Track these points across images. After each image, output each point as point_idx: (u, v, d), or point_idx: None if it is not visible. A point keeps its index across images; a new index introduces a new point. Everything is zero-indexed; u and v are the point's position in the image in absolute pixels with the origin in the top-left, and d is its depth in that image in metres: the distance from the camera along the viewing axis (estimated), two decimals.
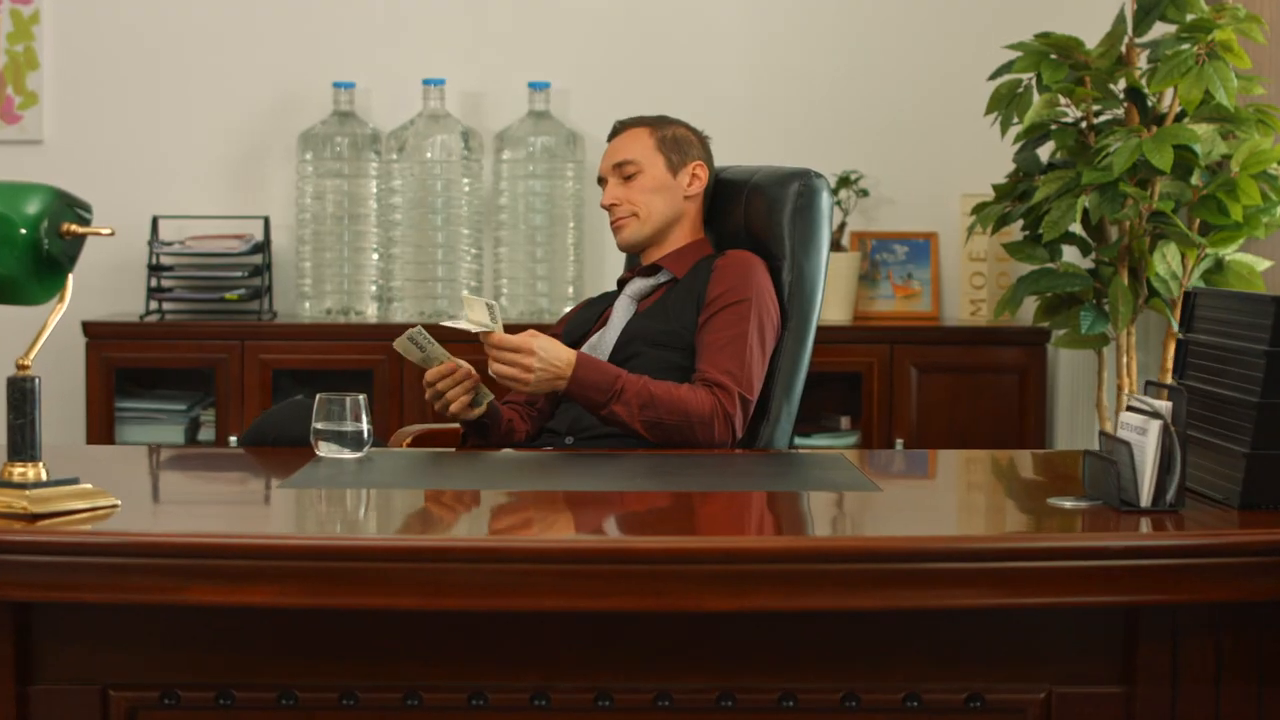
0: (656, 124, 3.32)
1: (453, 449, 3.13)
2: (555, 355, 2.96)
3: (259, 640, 2.14)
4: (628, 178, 3.27)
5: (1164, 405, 2.27)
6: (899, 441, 4.51)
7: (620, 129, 3.34)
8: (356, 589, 2.05)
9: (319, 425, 2.72)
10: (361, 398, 2.72)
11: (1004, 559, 2.08)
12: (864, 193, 4.72)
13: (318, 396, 2.72)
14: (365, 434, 2.73)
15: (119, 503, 2.24)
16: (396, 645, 2.14)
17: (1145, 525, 2.20)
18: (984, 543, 2.12)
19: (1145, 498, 2.26)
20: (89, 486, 2.23)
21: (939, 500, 2.58)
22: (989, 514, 2.45)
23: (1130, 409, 2.33)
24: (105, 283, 4.73)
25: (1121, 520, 2.23)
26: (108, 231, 2.21)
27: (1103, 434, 2.37)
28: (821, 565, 2.06)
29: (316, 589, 2.05)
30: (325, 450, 2.72)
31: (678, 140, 3.30)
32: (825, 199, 3.30)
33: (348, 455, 2.71)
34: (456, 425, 3.17)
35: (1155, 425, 2.25)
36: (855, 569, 2.06)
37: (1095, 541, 2.12)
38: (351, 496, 2.45)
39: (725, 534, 2.27)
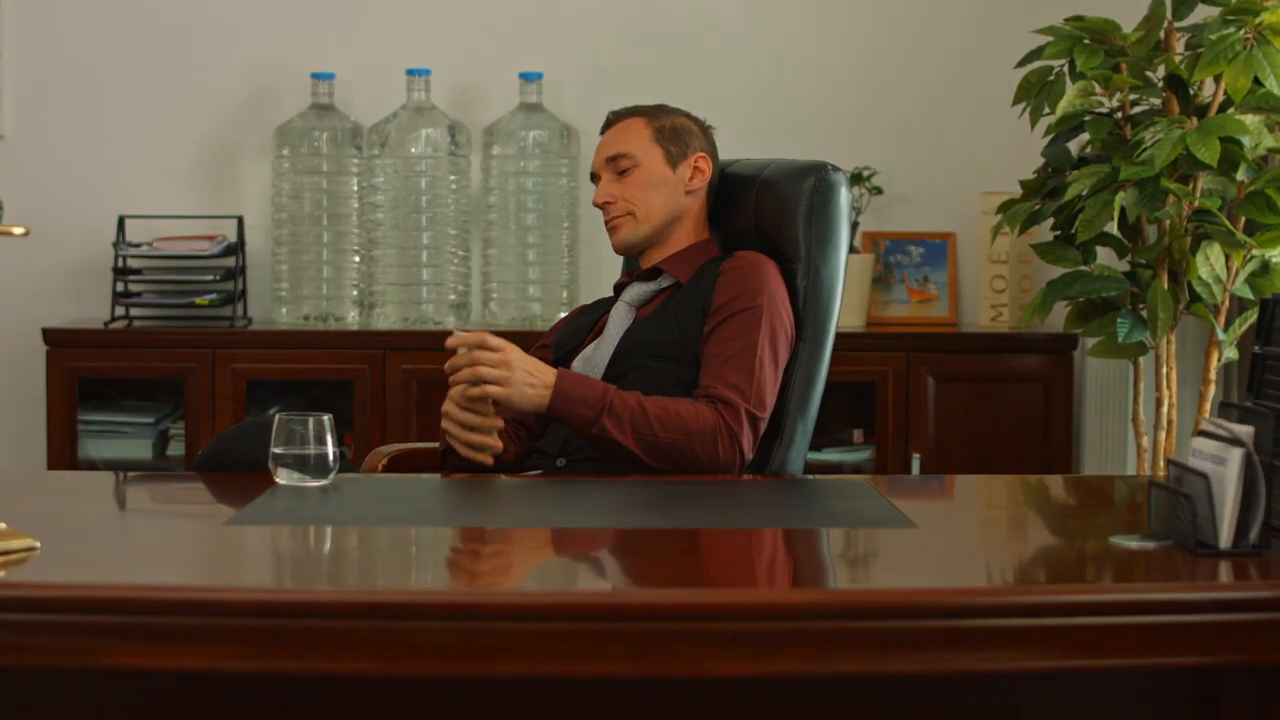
0: (653, 113, 3.06)
1: (432, 474, 2.83)
2: (533, 361, 2.75)
3: (196, 709, 1.87)
4: (622, 172, 3.02)
5: (1244, 430, 1.98)
6: (916, 457, 4.30)
7: (613, 120, 3.09)
8: (309, 651, 1.77)
9: (278, 449, 2.45)
10: (326, 418, 2.45)
11: (1067, 614, 1.80)
12: (877, 190, 4.52)
13: (277, 416, 2.44)
14: (330, 459, 2.45)
15: (38, 545, 1.96)
16: (356, 716, 1.85)
17: (1226, 571, 1.92)
18: (1044, 595, 1.83)
19: (1225, 538, 1.97)
20: (2, 526, 1.95)
21: (983, 539, 2.28)
22: (1045, 558, 2.14)
23: (1203, 434, 2.04)
24: (67, 287, 4.58)
25: (1198, 565, 1.94)
26: (20, 231, 1.91)
27: (1172, 463, 2.08)
28: (854, 623, 1.78)
29: (263, 651, 1.77)
30: (285, 478, 2.45)
31: (677, 130, 3.03)
32: (844, 195, 3.04)
33: (310, 483, 2.43)
34: (437, 444, 2.89)
35: (1236, 454, 1.96)
36: (894, 627, 1.78)
37: (1172, 594, 1.83)
38: (308, 536, 2.17)
39: (740, 584, 1.98)
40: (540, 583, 2.00)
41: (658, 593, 1.85)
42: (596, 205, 3.04)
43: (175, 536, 2.23)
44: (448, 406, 2.75)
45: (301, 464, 2.44)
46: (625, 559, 2.10)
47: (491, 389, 2.69)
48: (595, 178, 3.06)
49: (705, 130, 3.10)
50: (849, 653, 1.77)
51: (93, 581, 1.87)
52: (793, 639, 1.77)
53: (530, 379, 2.71)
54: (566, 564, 2.10)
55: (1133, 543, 2.05)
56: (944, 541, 2.20)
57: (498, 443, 2.73)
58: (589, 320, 3.11)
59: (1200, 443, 2.03)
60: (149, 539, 2.18)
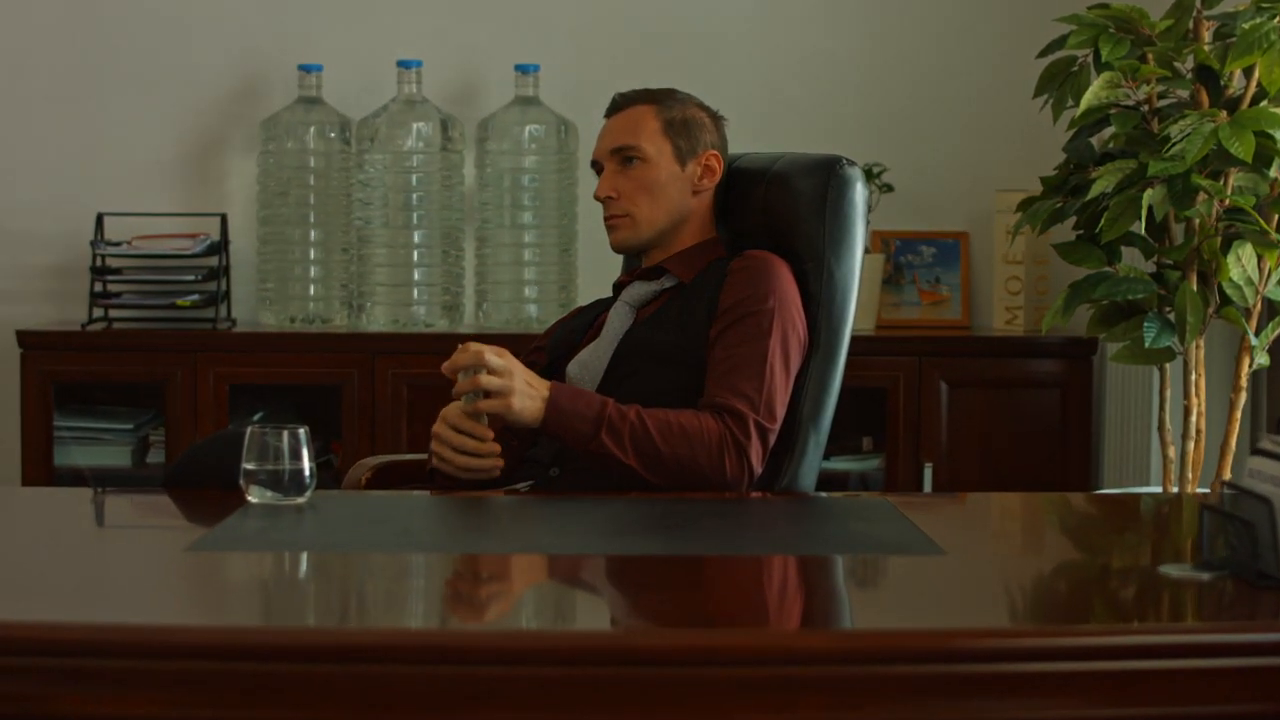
0: (664, 102, 2.88)
1: (417, 489, 2.66)
2: (530, 373, 2.58)
3: None
4: (626, 161, 2.82)
5: None
6: (928, 466, 4.17)
7: (621, 104, 2.91)
8: (272, 698, 1.59)
9: (249, 464, 2.27)
10: (302, 430, 2.28)
11: (1120, 657, 1.62)
12: (887, 188, 4.36)
13: (249, 429, 2.26)
14: (307, 475, 2.27)
15: None
16: None
17: None
18: (1095, 637, 1.65)
19: None
20: None
21: (1018, 569, 2.08)
22: (1090, 591, 1.95)
23: (1260, 453, 1.85)
24: (43, 287, 4.50)
25: (1259, 600, 1.75)
26: None
27: (1226, 484, 1.90)
28: (884, 668, 1.60)
29: (222, 697, 1.59)
30: (257, 496, 2.27)
31: (688, 124, 2.85)
32: (860, 191, 2.88)
33: (284, 502, 2.26)
34: (425, 456, 2.72)
35: None
36: (926, 672, 1.60)
37: (1234, 634, 1.64)
38: (276, 564, 1.98)
39: (753, 623, 1.79)
40: (532, 620, 1.81)
41: (664, 634, 1.67)
42: (597, 198, 2.86)
43: (131, 564, 2.03)
44: (439, 429, 2.57)
45: (275, 481, 2.26)
46: (625, 592, 1.92)
47: (494, 402, 2.51)
48: (597, 166, 2.88)
49: (717, 122, 2.92)
50: (876, 701, 1.59)
51: (31, 619, 1.68)
52: (812, 686, 1.59)
53: (529, 390, 2.54)
54: (561, 598, 1.92)
55: (1184, 573, 1.86)
56: (976, 571, 2.01)
57: (497, 464, 2.55)
58: (586, 321, 2.93)
59: (1258, 463, 1.85)
60: (101, 567, 1.99)
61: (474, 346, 2.53)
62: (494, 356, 2.53)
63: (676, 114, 2.86)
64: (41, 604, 1.78)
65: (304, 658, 1.60)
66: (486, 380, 2.51)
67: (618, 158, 2.83)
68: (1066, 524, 2.39)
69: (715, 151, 2.87)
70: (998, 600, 1.89)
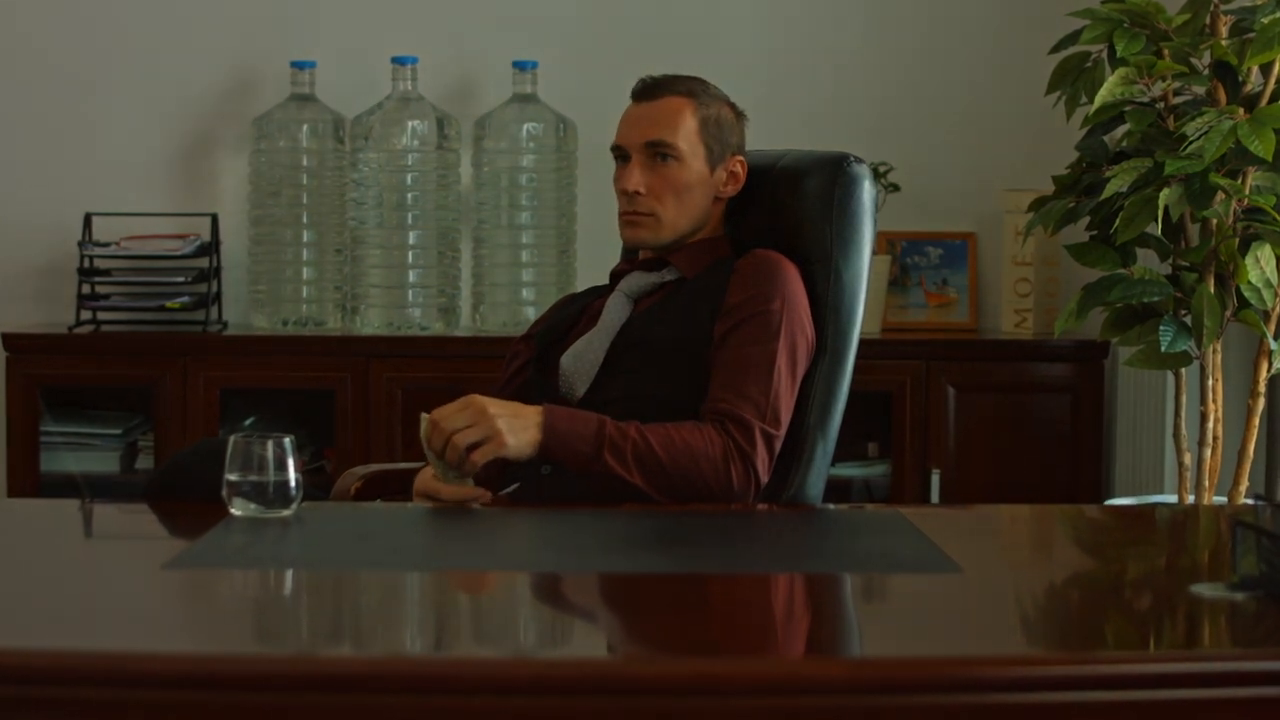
0: (700, 97, 2.74)
1: (408, 501, 2.56)
2: (507, 404, 2.44)
3: None
4: (660, 158, 2.69)
5: None
6: (935, 472, 4.11)
7: (655, 91, 2.74)
8: None
9: (232, 475, 2.18)
10: (288, 439, 2.19)
11: (1152, 686, 1.52)
12: (894, 187, 4.29)
13: (231, 439, 2.18)
14: (293, 486, 2.18)
15: None
16: None
17: None
18: (1125, 664, 1.55)
19: None
20: None
21: (1039, 587, 1.98)
22: (1118, 613, 1.84)
23: None
24: (29, 289, 4.45)
25: None
26: None
27: (1259, 498, 1.80)
28: (899, 698, 1.50)
29: None
30: (240, 508, 2.18)
31: (721, 125, 2.74)
32: (868, 189, 2.79)
33: (269, 514, 2.17)
34: (418, 465, 2.62)
35: None
36: (946, 703, 1.50)
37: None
38: (256, 583, 1.89)
39: (760, 649, 1.69)
40: (526, 645, 1.71)
41: (663, 661, 1.57)
42: (623, 190, 2.71)
43: (102, 583, 1.93)
44: (424, 485, 2.44)
45: (259, 493, 2.17)
46: (623, 615, 1.82)
47: (487, 449, 2.37)
48: (620, 152, 2.73)
49: (740, 120, 2.80)
50: None
51: None
52: (822, 717, 1.50)
53: (515, 423, 2.40)
54: (556, 621, 1.82)
55: (1216, 593, 1.77)
56: (995, 591, 1.91)
57: (485, 494, 2.44)
58: (577, 309, 2.82)
59: None
60: (72, 586, 1.88)
61: (436, 417, 2.38)
62: (458, 416, 2.37)
63: (712, 112, 2.74)
64: (8, 628, 1.68)
65: (278, 688, 1.50)
66: (464, 437, 2.35)
67: (650, 152, 2.69)
68: (1086, 539, 2.30)
69: (741, 157, 2.76)
70: (1020, 624, 1.79)
